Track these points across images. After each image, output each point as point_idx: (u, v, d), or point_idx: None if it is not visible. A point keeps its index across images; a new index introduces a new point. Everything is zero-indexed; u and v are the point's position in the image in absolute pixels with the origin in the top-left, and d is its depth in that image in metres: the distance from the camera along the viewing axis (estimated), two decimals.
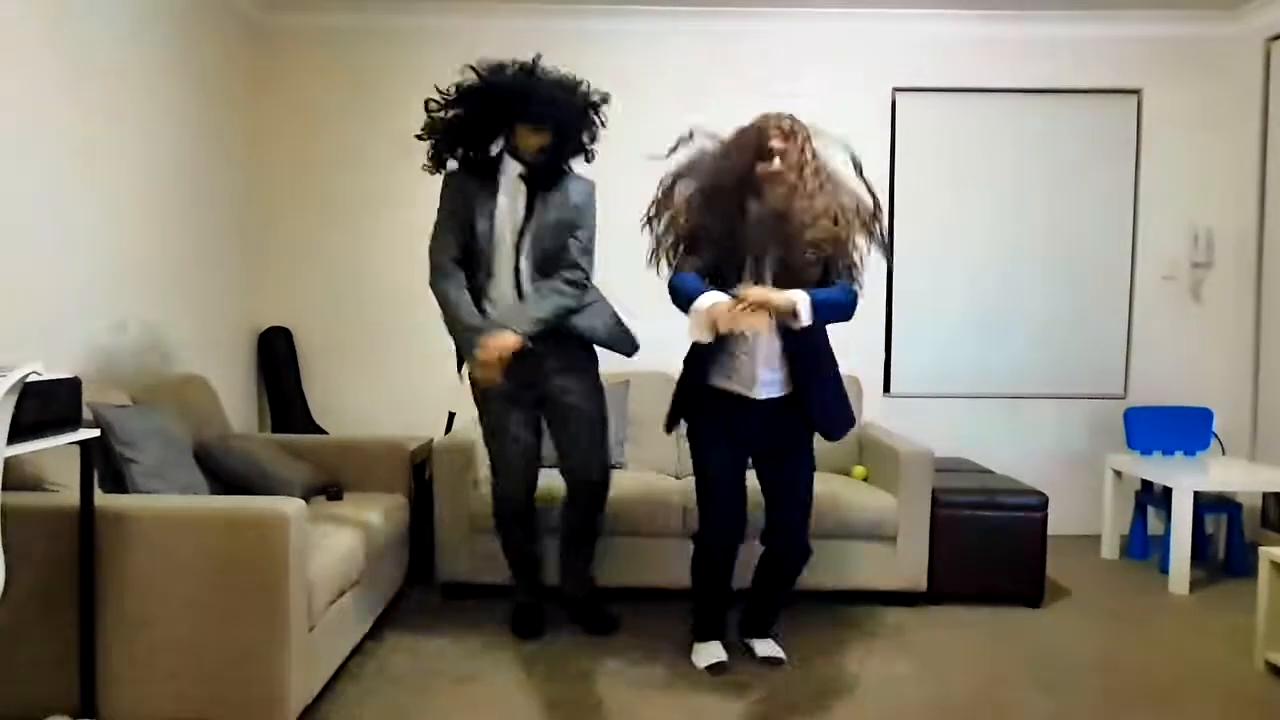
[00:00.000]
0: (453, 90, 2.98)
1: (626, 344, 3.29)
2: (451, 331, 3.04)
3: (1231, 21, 4.65)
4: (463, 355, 3.06)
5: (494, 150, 3.04)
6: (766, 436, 2.92)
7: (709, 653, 3.04)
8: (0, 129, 2.83)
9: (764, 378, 2.86)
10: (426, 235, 4.99)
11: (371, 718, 2.61)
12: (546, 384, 3.12)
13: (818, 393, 2.88)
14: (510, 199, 3.03)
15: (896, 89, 4.78)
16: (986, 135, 4.80)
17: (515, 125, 2.94)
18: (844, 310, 2.80)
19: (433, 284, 3.07)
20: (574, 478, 3.22)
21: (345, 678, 2.85)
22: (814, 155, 2.82)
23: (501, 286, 3.05)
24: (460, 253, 3.04)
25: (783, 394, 2.87)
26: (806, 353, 2.86)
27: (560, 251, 3.06)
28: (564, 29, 4.69)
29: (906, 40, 4.74)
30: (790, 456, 2.95)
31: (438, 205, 3.10)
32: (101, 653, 2.35)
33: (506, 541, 3.28)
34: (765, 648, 3.11)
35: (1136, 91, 4.78)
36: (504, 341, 2.90)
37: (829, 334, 2.93)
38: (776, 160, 2.77)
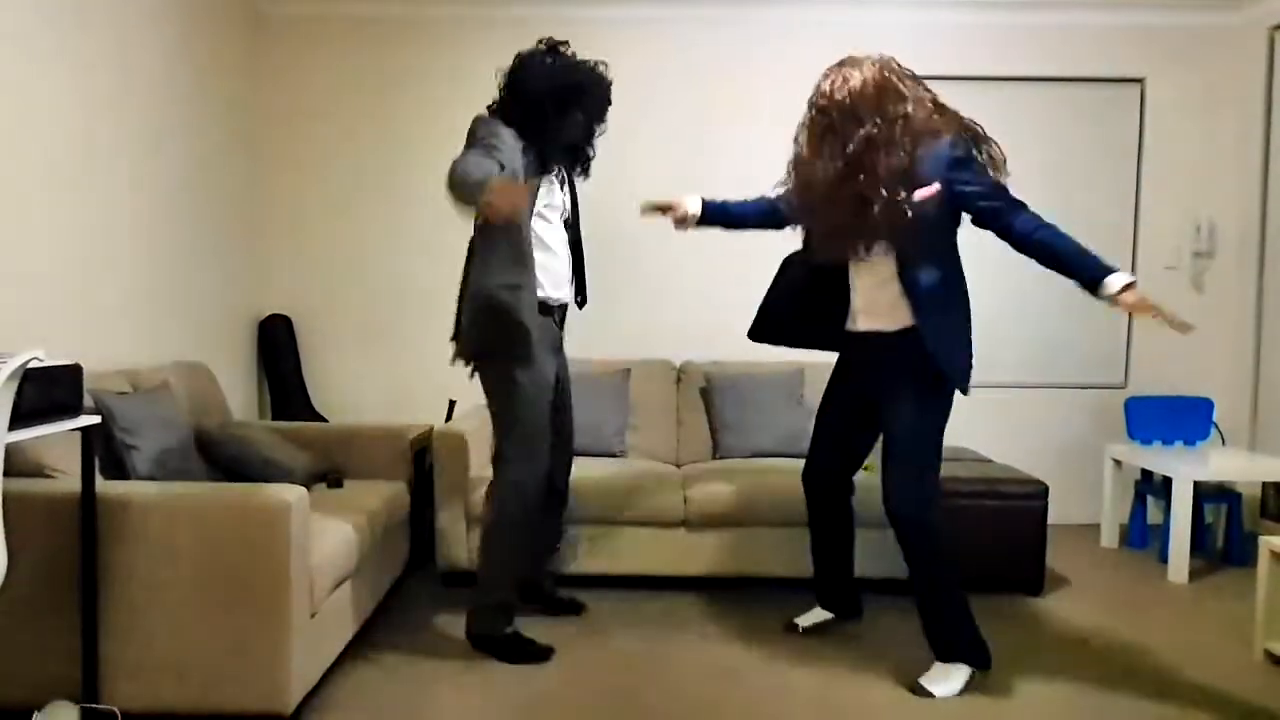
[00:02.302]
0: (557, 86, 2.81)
1: None
2: (463, 185, 2.49)
3: (1235, 10, 4.64)
4: (472, 196, 2.47)
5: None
6: (869, 377, 2.83)
7: (808, 613, 3.23)
8: (1, 118, 2.83)
9: (861, 306, 2.81)
10: (426, 224, 5.00)
11: (372, 705, 2.62)
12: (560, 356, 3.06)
13: (929, 329, 2.63)
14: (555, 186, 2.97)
15: None
16: (988, 124, 4.77)
17: (589, 120, 2.92)
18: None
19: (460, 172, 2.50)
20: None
21: (346, 665, 2.87)
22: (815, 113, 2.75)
23: (559, 268, 2.96)
24: None
25: (887, 329, 2.73)
26: (922, 282, 2.64)
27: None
28: (564, 17, 4.67)
29: (909, 28, 4.72)
30: (889, 403, 2.72)
31: (478, 138, 2.71)
32: (103, 639, 2.36)
33: (520, 544, 2.92)
34: (925, 676, 2.74)
35: (1139, 80, 4.77)
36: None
37: (961, 269, 2.73)
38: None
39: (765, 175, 4.72)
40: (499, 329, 2.78)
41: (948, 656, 2.75)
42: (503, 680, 2.79)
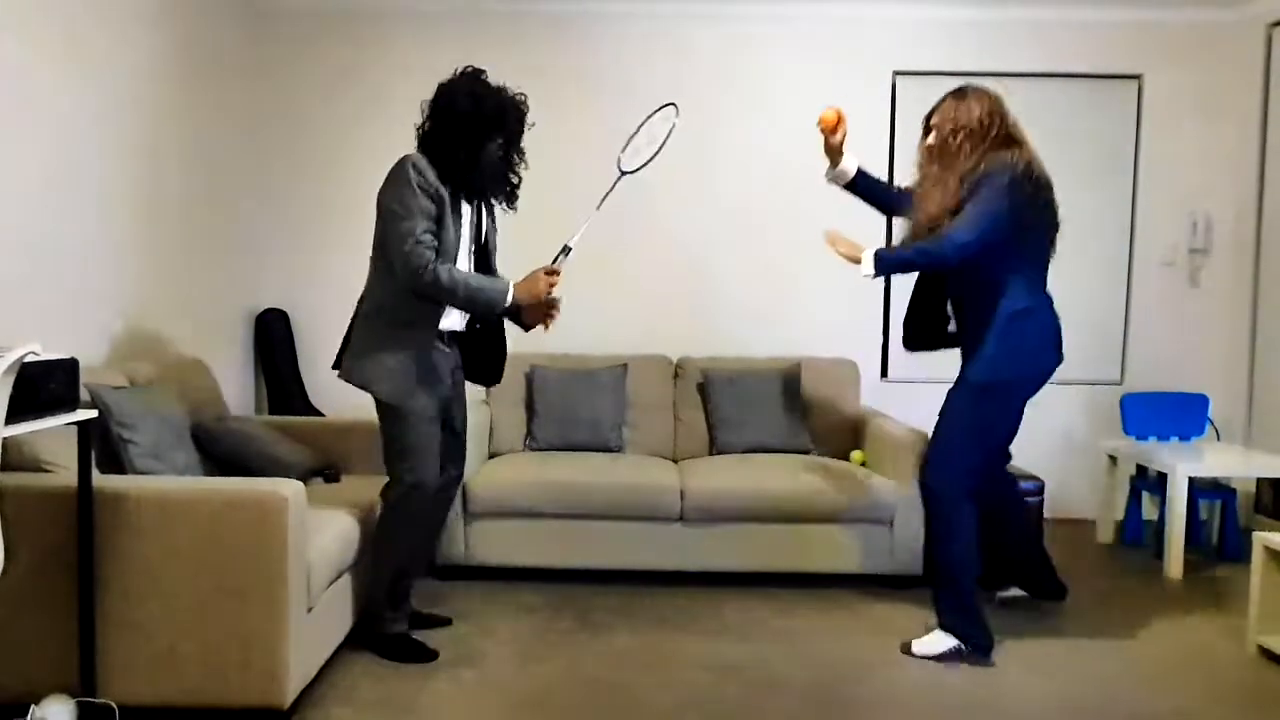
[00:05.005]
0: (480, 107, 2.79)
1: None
2: (480, 301, 2.77)
3: (1233, 7, 4.63)
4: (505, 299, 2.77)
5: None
6: None
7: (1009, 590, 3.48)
8: None
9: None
10: None
11: (369, 699, 2.62)
12: (454, 382, 3.01)
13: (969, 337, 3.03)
14: (465, 209, 2.88)
15: (897, 72, 4.76)
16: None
17: (497, 139, 2.83)
18: (913, 264, 2.94)
19: (437, 274, 2.70)
20: (454, 475, 3.11)
21: (343, 659, 2.87)
22: (954, 131, 2.92)
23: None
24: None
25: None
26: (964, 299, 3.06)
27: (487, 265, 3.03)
28: (558, 11, 4.67)
29: (907, 24, 4.71)
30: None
31: (405, 195, 2.74)
32: (100, 633, 2.36)
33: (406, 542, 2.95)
34: (919, 639, 3.01)
35: (1137, 77, 4.77)
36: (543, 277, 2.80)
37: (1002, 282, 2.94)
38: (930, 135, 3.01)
39: (767, 171, 4.74)
40: (383, 367, 2.79)
41: (946, 626, 2.97)
42: (500, 674, 2.79)
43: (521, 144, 2.91)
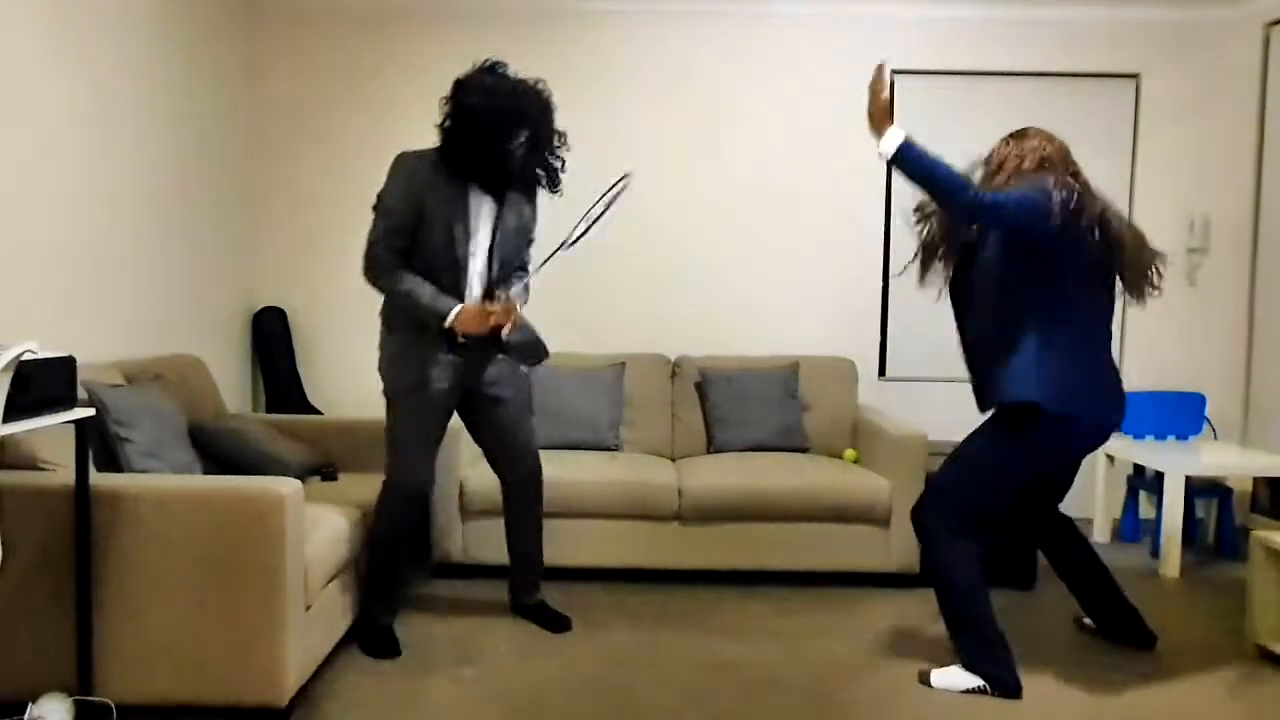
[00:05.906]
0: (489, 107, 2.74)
1: (537, 353, 3.05)
2: (419, 310, 2.81)
3: (1230, 6, 4.64)
4: (440, 322, 2.80)
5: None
6: None
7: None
8: None
9: None
10: None
11: (367, 697, 2.62)
12: (475, 383, 3.00)
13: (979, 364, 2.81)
14: (481, 205, 2.86)
15: (894, 72, 4.76)
16: (984, 119, 4.78)
17: (519, 135, 2.79)
18: (934, 178, 2.65)
19: (378, 277, 2.80)
20: (521, 469, 3.14)
21: (341, 657, 2.87)
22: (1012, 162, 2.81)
23: (474, 292, 2.89)
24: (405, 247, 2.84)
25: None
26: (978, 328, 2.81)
27: (515, 257, 2.99)
28: (555, 9, 4.66)
29: (904, 23, 4.71)
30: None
31: (384, 192, 2.82)
32: (98, 631, 2.36)
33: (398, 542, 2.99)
34: (940, 669, 2.79)
35: (1134, 76, 4.77)
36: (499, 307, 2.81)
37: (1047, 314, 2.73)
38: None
39: (765, 170, 4.74)
40: (383, 362, 2.94)
41: (967, 665, 2.75)
42: (497, 672, 2.79)
43: (553, 130, 2.86)
